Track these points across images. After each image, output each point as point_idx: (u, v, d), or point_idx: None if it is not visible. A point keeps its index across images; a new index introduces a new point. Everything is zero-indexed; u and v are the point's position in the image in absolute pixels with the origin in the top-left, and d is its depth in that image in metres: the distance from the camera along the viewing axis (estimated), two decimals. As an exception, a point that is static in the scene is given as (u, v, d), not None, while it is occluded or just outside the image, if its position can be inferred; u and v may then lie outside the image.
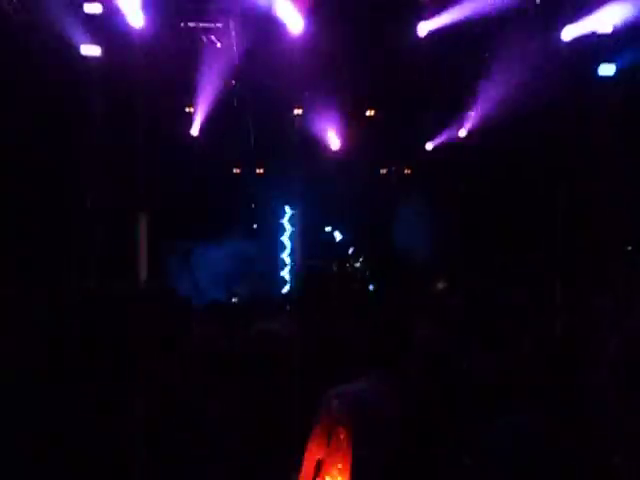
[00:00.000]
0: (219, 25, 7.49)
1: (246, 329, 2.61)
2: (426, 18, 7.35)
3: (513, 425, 1.77)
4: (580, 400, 1.68)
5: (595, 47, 7.22)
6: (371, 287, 8.67)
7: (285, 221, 10.77)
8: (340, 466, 0.73)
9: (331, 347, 2.52)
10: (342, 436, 0.75)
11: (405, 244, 9.40)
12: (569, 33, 7.18)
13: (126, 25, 6.80)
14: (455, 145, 9.44)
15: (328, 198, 10.19)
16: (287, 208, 10.76)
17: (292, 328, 2.63)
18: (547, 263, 7.73)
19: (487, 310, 3.28)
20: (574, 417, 1.67)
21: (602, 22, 6.87)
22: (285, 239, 10.68)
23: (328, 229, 10.77)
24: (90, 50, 7.10)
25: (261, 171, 10.42)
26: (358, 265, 9.85)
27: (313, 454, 0.90)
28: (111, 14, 6.75)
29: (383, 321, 2.24)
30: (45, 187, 6.67)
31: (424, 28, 7.44)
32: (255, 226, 10.55)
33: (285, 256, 10.47)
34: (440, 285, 6.65)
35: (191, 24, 7.48)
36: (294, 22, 7.17)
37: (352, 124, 9.54)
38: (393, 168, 10.76)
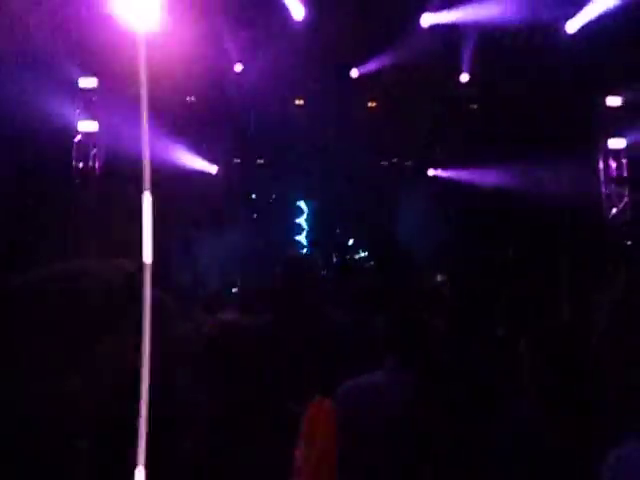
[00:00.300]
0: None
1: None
2: (431, 10, 7.30)
3: (513, 424, 1.77)
4: (581, 399, 1.67)
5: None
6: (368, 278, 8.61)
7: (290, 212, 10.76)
8: (329, 454, 0.73)
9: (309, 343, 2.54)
10: (325, 417, 0.75)
11: (407, 236, 9.37)
12: (573, 25, 7.15)
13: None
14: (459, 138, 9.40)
15: (329, 190, 10.16)
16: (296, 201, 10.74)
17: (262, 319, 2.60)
18: (548, 260, 7.73)
19: (485, 308, 3.28)
20: (575, 416, 1.66)
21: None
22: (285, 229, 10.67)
23: (327, 219, 10.75)
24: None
25: (262, 162, 10.39)
26: (358, 257, 9.83)
27: (302, 445, 0.90)
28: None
29: (395, 317, 2.24)
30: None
31: (428, 20, 7.39)
32: (255, 216, 10.51)
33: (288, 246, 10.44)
34: (439, 278, 6.63)
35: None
36: (296, 9, 7.10)
37: (353, 115, 9.49)
38: (394, 160, 10.73)
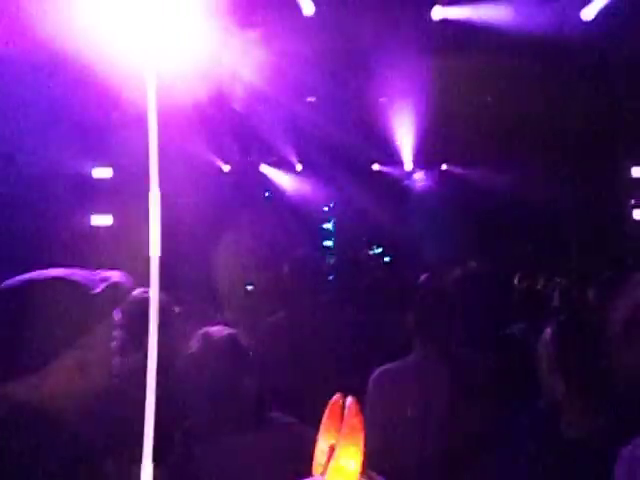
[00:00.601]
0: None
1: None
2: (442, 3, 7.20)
3: (531, 414, 1.77)
4: (601, 394, 1.66)
5: None
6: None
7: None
8: (355, 449, 0.71)
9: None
10: (354, 420, 0.73)
11: (421, 233, 9.33)
12: (590, 12, 6.98)
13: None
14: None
15: (343, 187, 10.14)
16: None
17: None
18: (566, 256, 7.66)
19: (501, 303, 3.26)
20: (595, 410, 1.65)
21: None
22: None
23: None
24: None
25: (275, 159, 10.43)
26: (373, 253, 9.80)
27: (326, 441, 0.89)
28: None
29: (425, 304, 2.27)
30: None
31: (438, 13, 7.30)
32: (269, 214, 10.48)
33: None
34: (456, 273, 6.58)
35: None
36: (306, 5, 7.02)
37: (366, 111, 9.45)
38: (407, 156, 10.67)
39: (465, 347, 2.32)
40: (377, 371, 2.26)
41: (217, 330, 1.81)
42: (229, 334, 1.80)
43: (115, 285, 1.32)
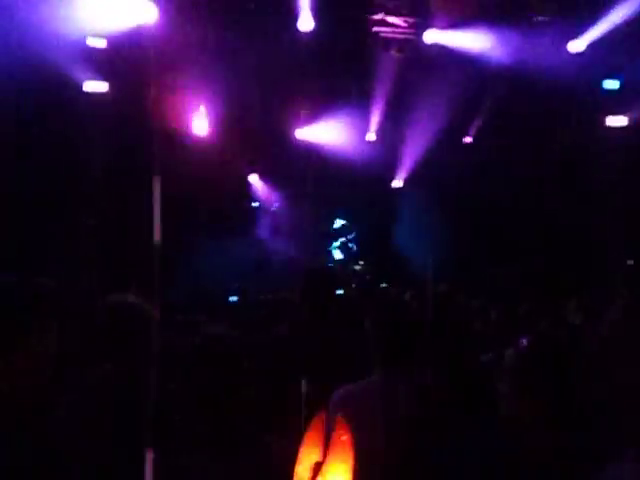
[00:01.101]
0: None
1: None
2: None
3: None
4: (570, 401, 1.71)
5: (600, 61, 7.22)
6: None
7: None
8: (344, 467, 0.76)
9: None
10: (344, 438, 0.78)
11: (406, 246, 9.37)
12: (576, 46, 7.16)
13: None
14: (459, 149, 9.48)
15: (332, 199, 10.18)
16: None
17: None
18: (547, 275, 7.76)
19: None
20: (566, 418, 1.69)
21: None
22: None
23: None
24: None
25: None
26: (358, 268, 9.81)
27: (309, 458, 0.91)
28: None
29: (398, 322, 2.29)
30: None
31: (431, 37, 7.44)
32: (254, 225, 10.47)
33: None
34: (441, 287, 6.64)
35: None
36: (305, 20, 7.06)
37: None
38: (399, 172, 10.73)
39: (428, 366, 2.31)
40: (337, 391, 2.19)
41: (208, 335, 1.85)
42: (220, 338, 1.84)
43: (34, 296, 1.38)
